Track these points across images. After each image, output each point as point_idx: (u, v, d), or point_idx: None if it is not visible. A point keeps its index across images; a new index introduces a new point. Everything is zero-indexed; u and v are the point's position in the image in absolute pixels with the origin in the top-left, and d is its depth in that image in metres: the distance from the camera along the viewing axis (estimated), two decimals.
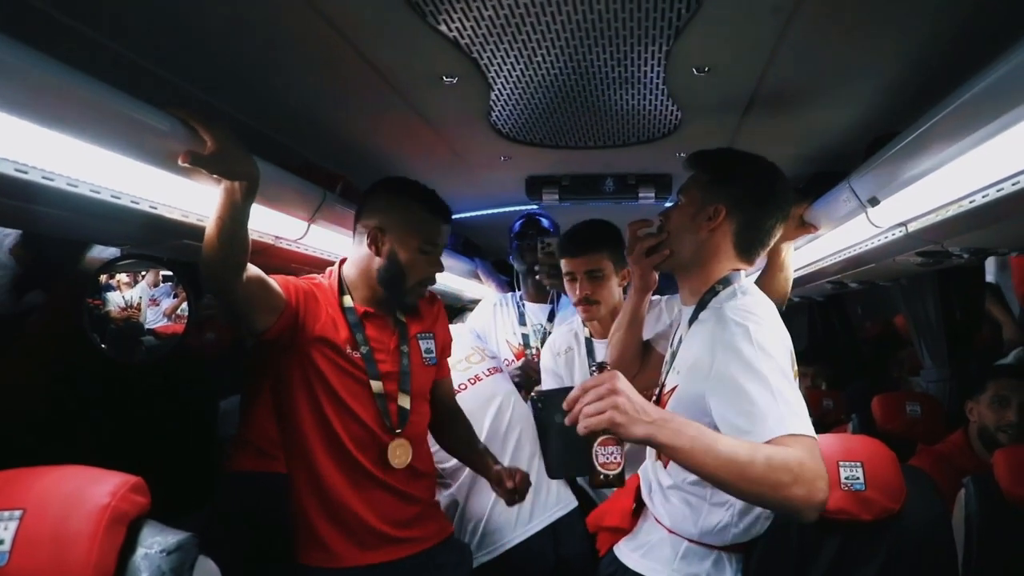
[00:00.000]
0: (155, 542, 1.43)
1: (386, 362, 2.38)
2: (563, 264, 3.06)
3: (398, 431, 2.34)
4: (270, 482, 3.04)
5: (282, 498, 2.95)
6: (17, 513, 1.33)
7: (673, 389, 1.99)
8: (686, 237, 2.08)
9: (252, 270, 2.07)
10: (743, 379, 1.69)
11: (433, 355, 2.53)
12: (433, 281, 2.44)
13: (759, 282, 2.77)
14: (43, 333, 3.31)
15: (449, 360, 2.75)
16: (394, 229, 2.34)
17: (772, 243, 2.07)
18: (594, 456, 1.71)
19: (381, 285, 2.37)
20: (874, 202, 2.18)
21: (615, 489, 2.02)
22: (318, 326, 2.28)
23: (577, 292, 3.00)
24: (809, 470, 1.53)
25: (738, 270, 2.04)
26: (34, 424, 3.00)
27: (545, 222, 3.87)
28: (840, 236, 2.61)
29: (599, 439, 1.71)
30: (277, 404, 2.37)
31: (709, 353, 1.82)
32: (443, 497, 2.93)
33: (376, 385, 2.33)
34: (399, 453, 2.33)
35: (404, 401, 2.38)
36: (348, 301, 2.37)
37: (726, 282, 2.01)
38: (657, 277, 2.34)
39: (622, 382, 1.60)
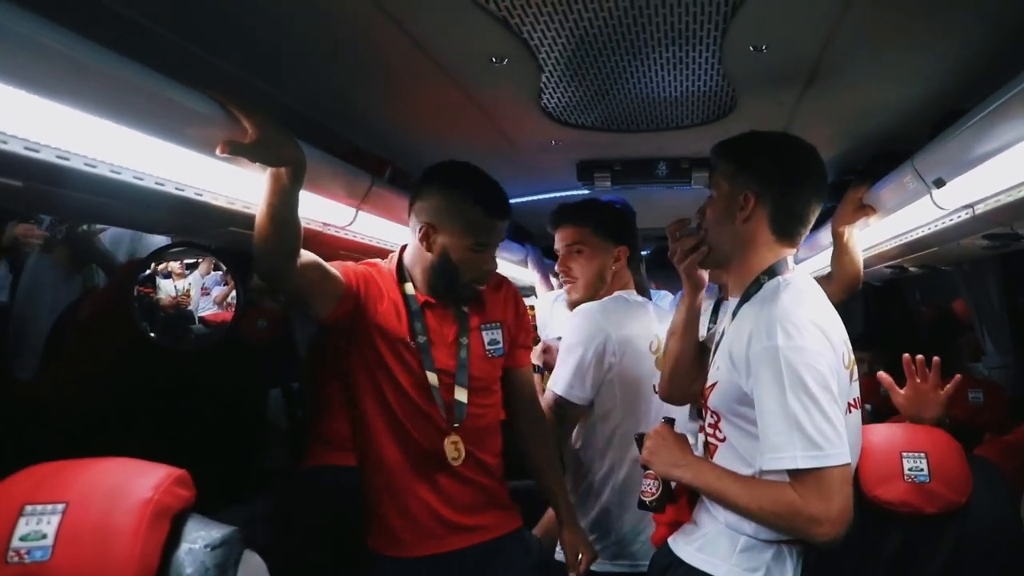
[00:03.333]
0: (199, 536, 1.40)
1: (443, 354, 2.31)
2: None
3: (455, 425, 2.29)
4: (348, 476, 3.06)
5: (356, 490, 2.98)
6: (60, 507, 1.31)
7: (713, 385, 1.98)
8: (722, 230, 2.04)
9: (307, 256, 2.04)
10: (766, 399, 1.76)
11: (499, 346, 2.43)
12: (489, 277, 2.36)
13: (832, 266, 2.76)
14: (93, 323, 3.34)
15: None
16: (446, 226, 2.25)
17: (813, 219, 2.01)
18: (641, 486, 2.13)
19: (434, 279, 2.30)
20: (940, 183, 2.10)
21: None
22: (379, 314, 2.23)
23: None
24: (800, 517, 1.71)
25: (783, 258, 1.98)
26: (84, 414, 3.02)
27: None
28: (902, 219, 2.53)
29: (646, 472, 2.10)
30: (344, 391, 2.34)
31: (745, 357, 1.84)
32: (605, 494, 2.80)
33: (432, 377, 2.27)
34: (452, 450, 2.28)
35: (461, 395, 2.30)
36: (409, 288, 2.31)
37: (771, 273, 1.96)
38: (706, 276, 2.25)
39: (658, 432, 2.08)
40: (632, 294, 2.86)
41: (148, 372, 3.22)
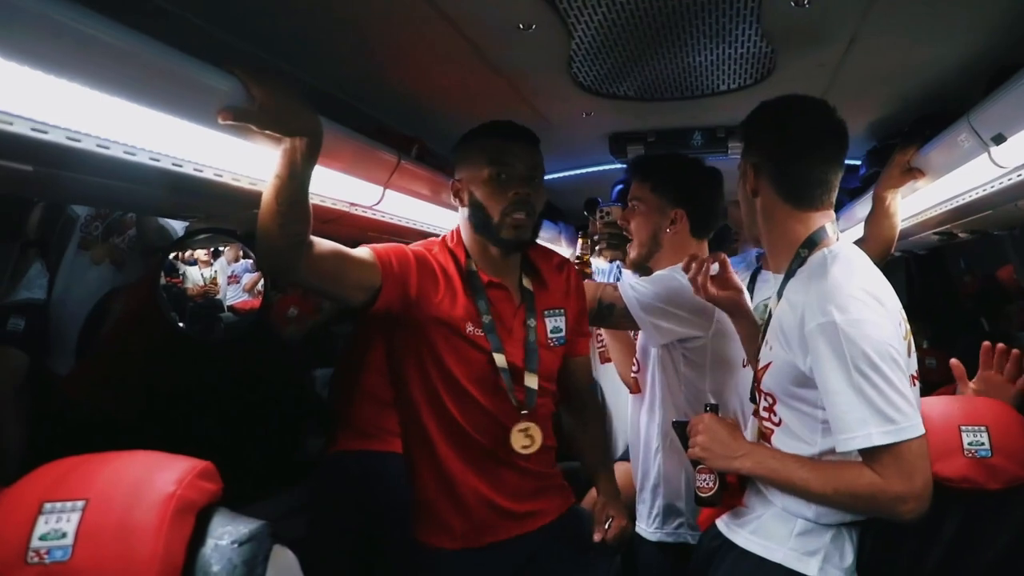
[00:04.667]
0: (226, 532, 1.34)
1: (510, 339, 2.23)
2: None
3: (524, 412, 2.19)
4: (372, 461, 3.03)
5: (384, 477, 2.94)
6: (80, 504, 1.26)
7: (767, 366, 1.92)
8: (745, 207, 2.06)
9: (325, 245, 1.93)
10: (830, 378, 1.70)
11: (562, 334, 2.35)
12: (525, 207, 2.19)
13: (866, 228, 2.67)
14: (129, 317, 3.34)
15: None
16: (467, 171, 2.23)
17: (832, 179, 1.94)
18: (694, 480, 2.03)
19: (477, 235, 2.23)
20: (999, 140, 1.99)
21: None
22: (435, 304, 2.14)
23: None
24: (884, 497, 1.65)
25: (820, 227, 1.92)
26: (118, 408, 3.02)
27: None
28: (955, 180, 2.41)
29: (698, 467, 2.00)
30: (393, 381, 2.27)
31: (799, 335, 1.78)
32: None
33: (499, 359, 2.18)
34: (524, 439, 2.19)
35: (531, 381, 2.22)
36: (473, 266, 2.24)
37: (810, 244, 1.91)
38: (742, 294, 2.27)
39: (705, 424, 1.97)
40: None
41: (183, 365, 3.20)
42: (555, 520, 2.33)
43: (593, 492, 2.57)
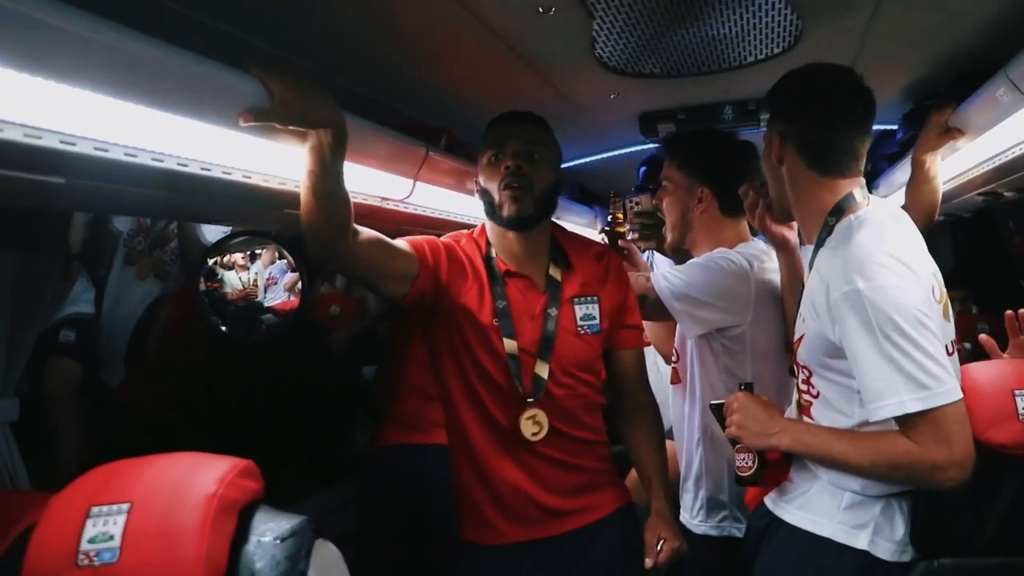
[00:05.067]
0: (268, 529, 1.35)
1: (527, 327, 2.21)
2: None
3: (530, 400, 2.16)
4: (415, 454, 3.05)
5: (426, 470, 2.96)
6: (125, 507, 1.27)
7: (801, 339, 1.91)
8: (771, 178, 2.06)
9: (367, 234, 1.99)
10: (858, 347, 1.68)
11: (595, 322, 2.27)
12: (514, 182, 2.16)
13: (907, 194, 2.62)
14: (176, 325, 3.39)
15: None
16: (478, 164, 2.28)
17: (858, 146, 1.92)
18: (734, 460, 2.00)
19: (491, 221, 2.26)
20: None
21: None
22: (463, 293, 2.18)
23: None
24: (922, 466, 1.62)
25: (847, 193, 1.89)
26: (167, 410, 3.06)
27: None
28: (996, 137, 2.35)
29: (736, 446, 1.97)
30: (435, 375, 2.30)
31: (826, 305, 1.76)
32: None
33: (509, 344, 2.17)
34: (532, 426, 2.15)
35: (541, 369, 2.18)
36: (493, 252, 2.26)
37: (838, 212, 1.88)
38: (787, 233, 2.27)
39: (740, 402, 1.96)
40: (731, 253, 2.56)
41: (228, 368, 3.24)
42: (606, 517, 2.28)
43: (634, 473, 2.53)
